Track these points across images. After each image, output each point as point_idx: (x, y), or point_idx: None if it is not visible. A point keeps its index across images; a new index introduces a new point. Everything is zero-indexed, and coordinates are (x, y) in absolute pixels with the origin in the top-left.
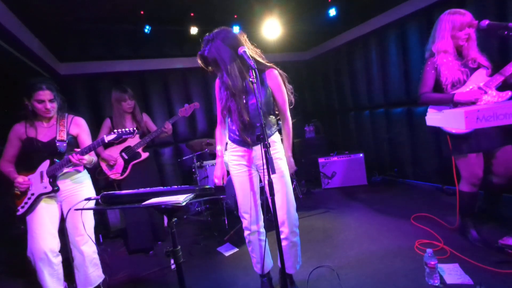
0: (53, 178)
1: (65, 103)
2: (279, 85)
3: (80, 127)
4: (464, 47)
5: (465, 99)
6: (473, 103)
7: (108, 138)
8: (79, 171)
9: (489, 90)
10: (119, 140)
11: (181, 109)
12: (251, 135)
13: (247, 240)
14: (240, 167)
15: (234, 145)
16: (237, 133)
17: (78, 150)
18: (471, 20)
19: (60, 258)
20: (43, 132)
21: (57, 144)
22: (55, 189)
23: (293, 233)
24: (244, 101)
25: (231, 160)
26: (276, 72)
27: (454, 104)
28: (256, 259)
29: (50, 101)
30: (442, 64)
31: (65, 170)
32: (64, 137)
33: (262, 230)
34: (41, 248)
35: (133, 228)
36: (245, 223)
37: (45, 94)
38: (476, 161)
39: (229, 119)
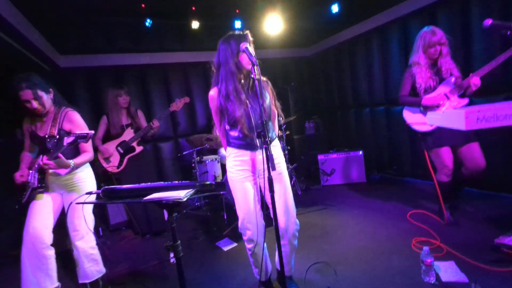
0: (42, 174)
1: (57, 96)
2: (271, 98)
3: (72, 123)
4: (438, 59)
5: (430, 103)
6: (437, 106)
7: (67, 141)
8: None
9: (452, 96)
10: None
11: (172, 104)
12: (256, 136)
13: (250, 252)
14: (243, 172)
15: (236, 150)
16: (242, 137)
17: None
18: (440, 39)
19: (51, 252)
20: (41, 126)
21: (47, 140)
22: (40, 186)
23: (294, 236)
24: (248, 103)
25: (233, 165)
26: (270, 85)
27: (422, 106)
28: (258, 269)
29: (34, 99)
30: (416, 73)
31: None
32: (55, 132)
33: (263, 238)
34: (29, 237)
35: (142, 214)
36: (248, 234)
37: (26, 94)
38: (444, 154)
39: (229, 126)
